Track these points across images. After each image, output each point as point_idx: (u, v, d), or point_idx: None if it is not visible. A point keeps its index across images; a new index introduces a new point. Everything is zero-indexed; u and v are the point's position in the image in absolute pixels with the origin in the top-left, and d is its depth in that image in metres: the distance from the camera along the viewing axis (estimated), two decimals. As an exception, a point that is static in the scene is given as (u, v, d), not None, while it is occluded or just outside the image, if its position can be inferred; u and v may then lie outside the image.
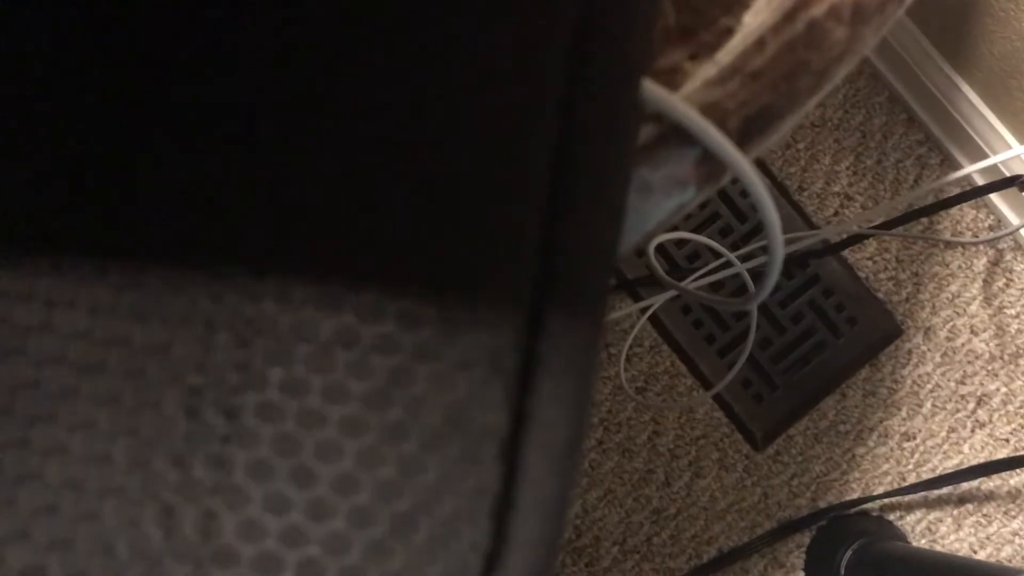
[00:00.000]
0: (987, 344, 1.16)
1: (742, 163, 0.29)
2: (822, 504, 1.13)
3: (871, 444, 1.14)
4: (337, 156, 0.25)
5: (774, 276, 0.42)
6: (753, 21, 0.30)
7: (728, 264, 0.90)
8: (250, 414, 0.24)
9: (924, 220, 1.16)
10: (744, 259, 0.99)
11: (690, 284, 0.92)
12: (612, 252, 0.23)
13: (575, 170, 0.23)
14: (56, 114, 0.26)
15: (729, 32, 0.29)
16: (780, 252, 0.39)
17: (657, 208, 0.30)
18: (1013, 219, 1.15)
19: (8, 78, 0.26)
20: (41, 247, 0.26)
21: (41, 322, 0.26)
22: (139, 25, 0.26)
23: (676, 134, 0.29)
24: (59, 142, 0.26)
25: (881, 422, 1.15)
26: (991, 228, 1.16)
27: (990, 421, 1.15)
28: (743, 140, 0.30)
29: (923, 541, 1.12)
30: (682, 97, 0.29)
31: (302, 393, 0.24)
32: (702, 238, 0.73)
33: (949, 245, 1.16)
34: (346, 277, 0.24)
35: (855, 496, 1.13)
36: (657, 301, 1.07)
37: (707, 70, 0.29)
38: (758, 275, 0.99)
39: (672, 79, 0.28)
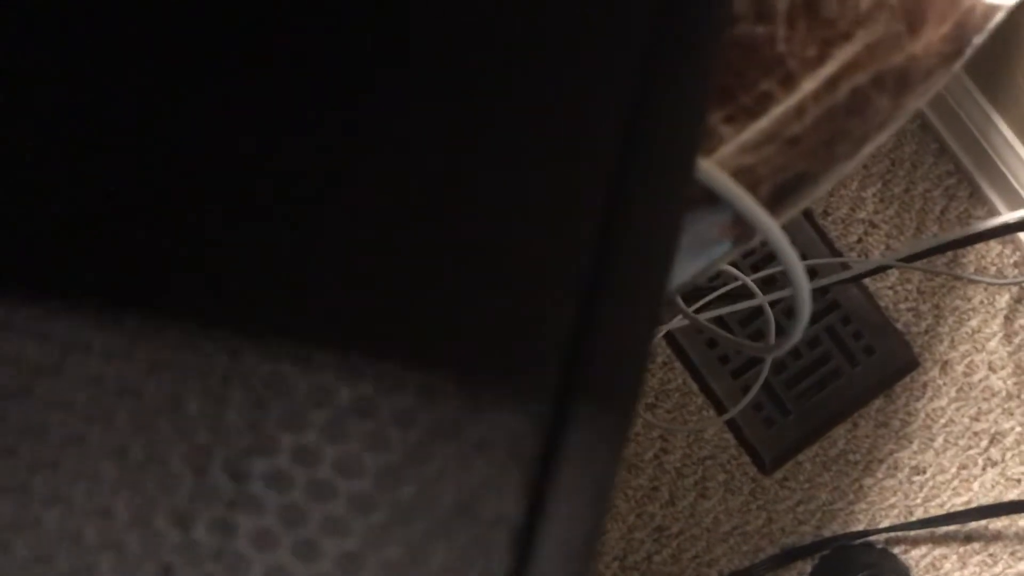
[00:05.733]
0: (1004, 382, 1.14)
1: (773, 229, 0.29)
2: (827, 533, 1.12)
3: (880, 476, 1.13)
4: (371, 226, 0.24)
5: (797, 335, 0.42)
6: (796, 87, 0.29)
7: (748, 287, 0.89)
8: (258, 479, 0.23)
9: (949, 252, 1.15)
10: (764, 283, 0.98)
11: (710, 312, 0.91)
12: (648, 342, 0.23)
13: (617, 257, 0.23)
14: (85, 154, 0.25)
15: (767, 96, 0.28)
16: (806, 313, 0.38)
17: (683, 269, 0.29)
18: (1040, 258, 1.13)
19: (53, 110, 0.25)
20: (60, 287, 0.25)
21: (53, 364, 0.25)
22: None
23: (706, 197, 0.28)
24: (86, 184, 0.25)
25: (891, 454, 1.14)
26: (1016, 264, 1.14)
27: (1002, 460, 1.13)
28: (775, 205, 0.29)
29: (926, 577, 1.11)
30: (715, 161, 0.28)
31: (313, 463, 0.23)
32: (725, 267, 0.72)
33: (973, 280, 1.14)
34: (368, 345, 0.24)
35: (861, 527, 1.11)
36: (673, 322, 1.06)
37: (743, 135, 0.28)
38: (776, 303, 0.98)
39: (706, 142, 0.27)
